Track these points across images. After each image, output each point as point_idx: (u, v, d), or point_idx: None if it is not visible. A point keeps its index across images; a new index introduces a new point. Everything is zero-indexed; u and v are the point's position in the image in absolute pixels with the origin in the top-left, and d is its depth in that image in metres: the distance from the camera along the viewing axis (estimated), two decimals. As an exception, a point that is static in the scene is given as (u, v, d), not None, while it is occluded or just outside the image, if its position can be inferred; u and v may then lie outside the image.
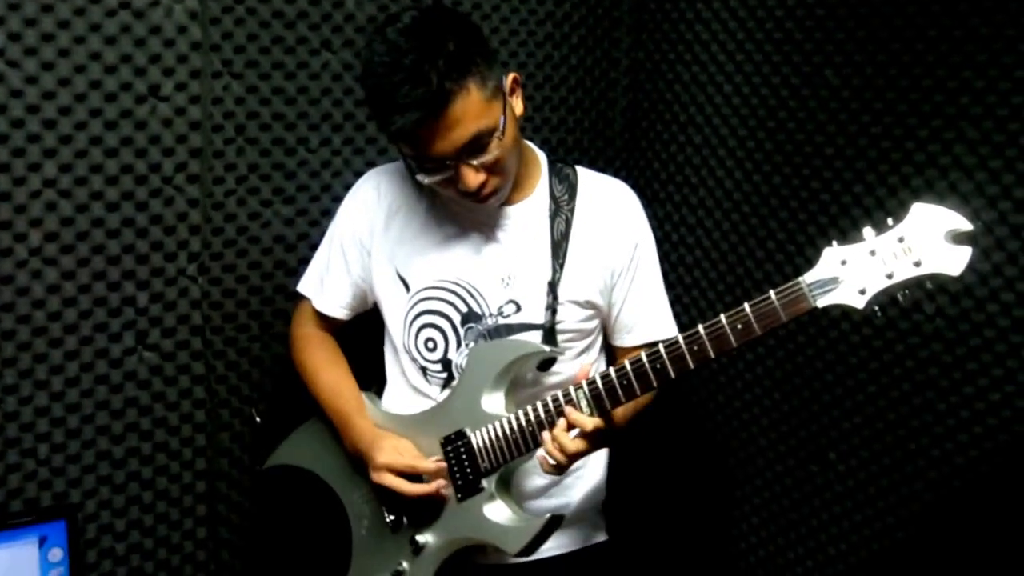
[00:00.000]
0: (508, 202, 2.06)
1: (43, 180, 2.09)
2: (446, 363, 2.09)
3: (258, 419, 2.42)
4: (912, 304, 2.08)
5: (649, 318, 2.13)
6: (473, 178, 1.88)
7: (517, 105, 1.98)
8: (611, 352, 2.21)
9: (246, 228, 2.36)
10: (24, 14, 2.00)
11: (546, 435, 1.87)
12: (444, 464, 2.00)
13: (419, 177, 1.93)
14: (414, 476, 2.01)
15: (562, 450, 1.86)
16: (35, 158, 2.07)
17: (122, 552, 2.31)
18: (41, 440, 2.18)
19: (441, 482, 2.00)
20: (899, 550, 2.23)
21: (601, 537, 2.22)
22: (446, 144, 1.84)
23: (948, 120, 2.05)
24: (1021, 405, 2.01)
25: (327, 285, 2.19)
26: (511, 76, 1.97)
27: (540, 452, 1.91)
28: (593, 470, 2.19)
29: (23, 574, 2.13)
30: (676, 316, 2.18)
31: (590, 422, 1.85)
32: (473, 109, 1.82)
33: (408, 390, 2.16)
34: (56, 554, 2.17)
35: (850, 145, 2.23)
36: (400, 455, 2.02)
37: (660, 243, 2.17)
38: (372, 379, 2.24)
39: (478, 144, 1.86)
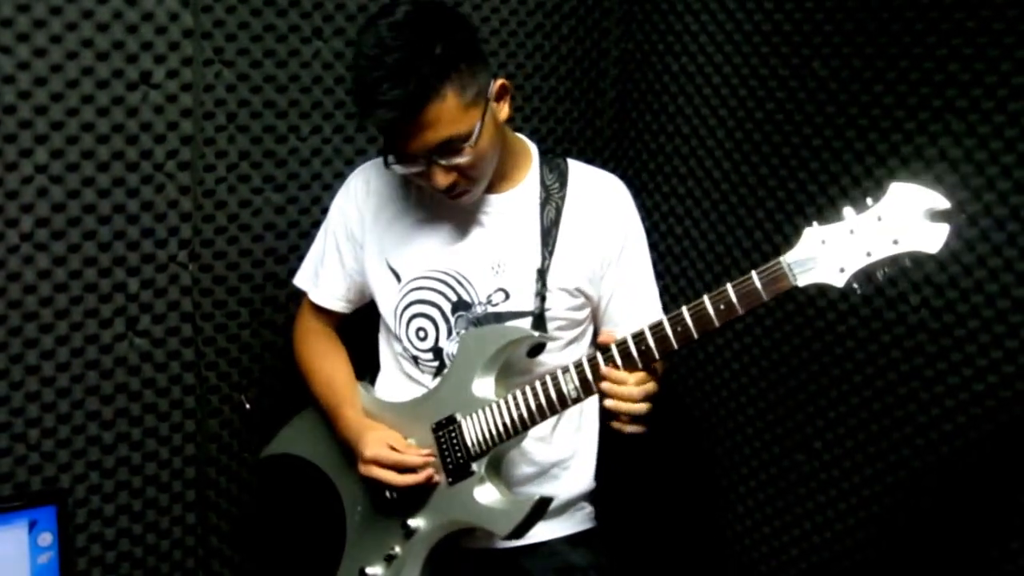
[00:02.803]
0: (497, 191, 2.07)
1: (35, 166, 2.09)
2: (437, 351, 2.10)
3: (248, 405, 2.44)
4: (897, 294, 2.12)
5: (637, 311, 2.12)
6: (442, 178, 1.90)
7: (501, 111, 1.98)
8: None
9: (237, 215, 2.37)
10: (16, 0, 2.00)
11: (606, 385, 1.85)
12: (431, 459, 2.02)
13: (394, 167, 1.95)
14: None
15: (630, 398, 1.83)
16: (27, 144, 2.07)
17: (111, 537, 2.31)
18: (31, 425, 2.18)
19: (429, 471, 2.01)
20: (885, 537, 2.25)
21: (590, 524, 2.24)
22: (417, 144, 1.86)
23: (934, 112, 2.07)
24: (1005, 395, 2.03)
25: (322, 278, 2.21)
26: (499, 82, 1.96)
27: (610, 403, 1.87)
28: (582, 459, 2.21)
29: (13, 558, 2.14)
30: (664, 305, 2.19)
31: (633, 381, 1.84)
32: (447, 115, 1.83)
33: (401, 377, 2.18)
34: (46, 538, 2.18)
35: (837, 136, 2.24)
36: (386, 448, 2.03)
37: (648, 233, 2.17)
38: (368, 367, 2.26)
39: (449, 147, 1.87)
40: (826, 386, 2.32)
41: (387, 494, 2.10)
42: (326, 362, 2.23)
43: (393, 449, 2.03)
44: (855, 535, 2.30)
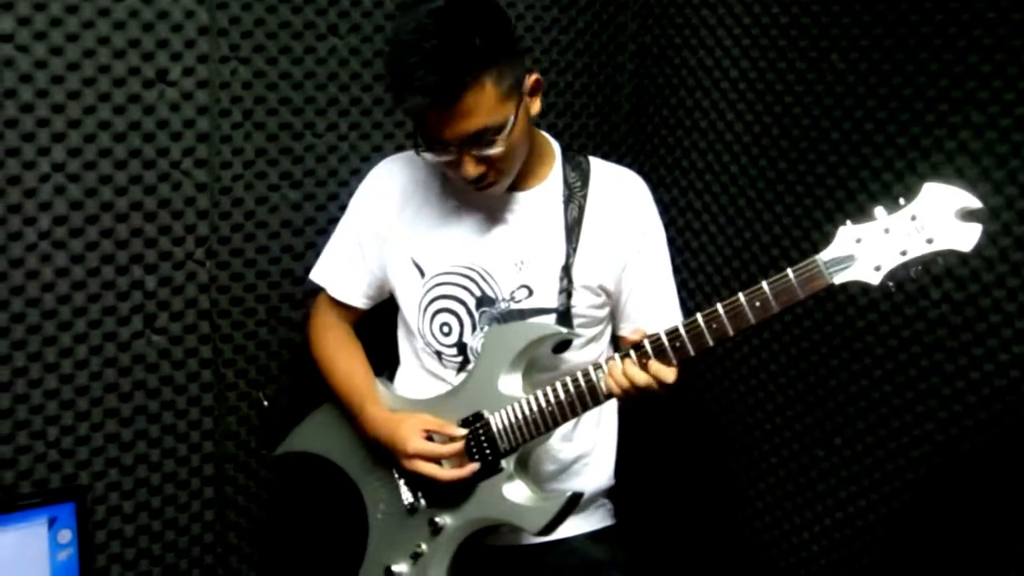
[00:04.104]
0: (521, 188, 2.07)
1: (52, 164, 2.10)
2: (461, 347, 2.09)
3: (265, 402, 2.44)
4: (918, 289, 2.11)
5: (655, 309, 2.12)
6: (473, 168, 1.89)
7: (533, 106, 1.98)
8: (617, 343, 2.21)
9: (253, 212, 2.37)
10: (33, -1, 2.02)
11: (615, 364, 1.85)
12: (463, 442, 2.01)
13: (423, 154, 1.94)
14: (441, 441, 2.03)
15: (632, 381, 1.83)
16: (44, 142, 2.08)
17: (130, 533, 2.33)
18: (50, 422, 2.19)
19: (474, 465, 2.00)
20: (904, 534, 2.23)
21: (609, 521, 2.24)
22: (451, 132, 1.84)
23: (954, 105, 2.05)
24: (1027, 390, 2.02)
25: (342, 273, 2.20)
26: (533, 77, 1.95)
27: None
28: (602, 456, 2.20)
29: (33, 555, 2.15)
30: (682, 301, 2.18)
31: (672, 374, 1.82)
32: (485, 105, 1.82)
33: (423, 373, 2.17)
34: (65, 535, 2.19)
35: (856, 130, 2.23)
36: (426, 441, 2.02)
37: (666, 227, 2.16)
38: (385, 363, 2.25)
39: (483, 138, 1.86)
40: (845, 381, 2.31)
41: (409, 497, 2.10)
42: (345, 358, 2.22)
43: (429, 435, 2.03)
44: (874, 532, 2.29)
